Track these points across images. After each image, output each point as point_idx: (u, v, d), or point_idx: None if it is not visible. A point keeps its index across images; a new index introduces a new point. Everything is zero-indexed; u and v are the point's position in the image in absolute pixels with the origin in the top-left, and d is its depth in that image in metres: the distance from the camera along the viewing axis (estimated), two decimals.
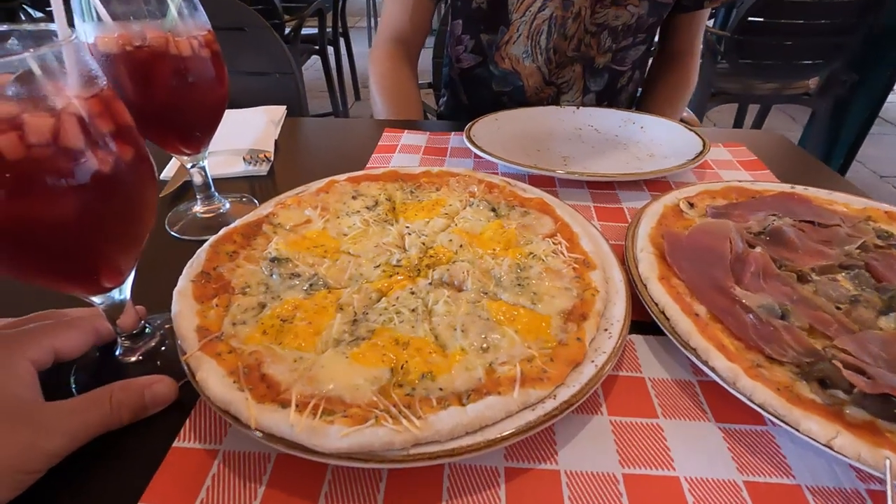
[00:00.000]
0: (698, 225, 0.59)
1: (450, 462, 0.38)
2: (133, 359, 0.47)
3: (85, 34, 0.50)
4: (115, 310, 0.44)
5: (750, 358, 0.43)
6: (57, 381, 0.43)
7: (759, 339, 0.44)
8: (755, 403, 0.39)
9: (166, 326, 0.50)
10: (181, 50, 0.52)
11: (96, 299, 0.42)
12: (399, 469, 0.38)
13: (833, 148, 2.77)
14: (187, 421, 0.42)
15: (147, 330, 0.48)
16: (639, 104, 1.33)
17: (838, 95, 2.73)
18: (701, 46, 1.26)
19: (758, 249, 0.55)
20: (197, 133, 0.60)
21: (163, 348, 0.48)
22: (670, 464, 0.39)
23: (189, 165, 0.64)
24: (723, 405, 0.43)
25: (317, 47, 3.29)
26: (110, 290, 0.42)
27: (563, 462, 0.39)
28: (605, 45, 1.15)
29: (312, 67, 4.48)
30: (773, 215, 0.62)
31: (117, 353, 0.47)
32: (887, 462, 0.34)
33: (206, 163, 0.65)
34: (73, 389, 0.44)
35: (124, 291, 0.43)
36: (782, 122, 3.99)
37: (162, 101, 0.55)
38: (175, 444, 0.40)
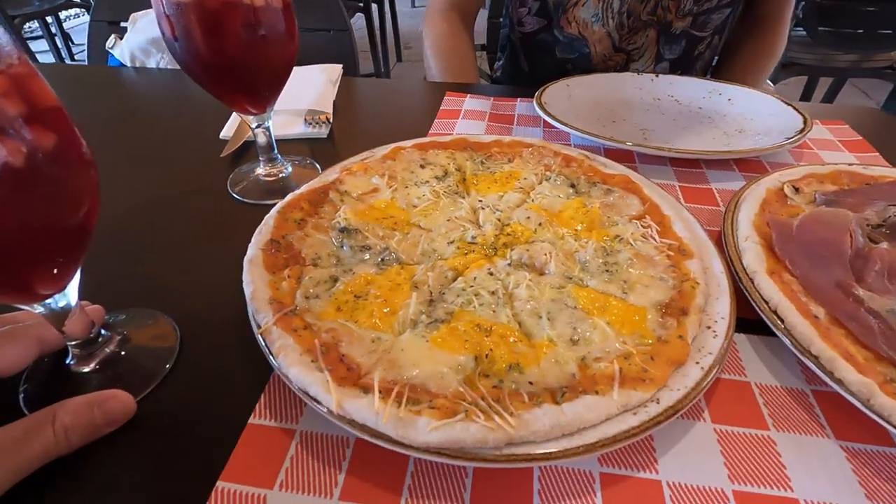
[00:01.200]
0: (811, 213, 0.52)
1: (537, 464, 0.35)
2: (88, 368, 0.41)
3: None
4: (58, 317, 0.38)
5: (881, 371, 0.38)
6: (3, 392, 0.40)
7: (892, 350, 0.39)
8: (894, 426, 0.34)
9: (126, 329, 0.45)
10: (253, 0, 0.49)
11: (34, 307, 0.36)
12: (487, 467, 0.35)
13: None
14: (262, 397, 0.40)
15: (102, 335, 0.43)
16: (715, 72, 1.22)
17: None
18: (792, 10, 1.13)
19: (883, 245, 0.48)
20: (265, 91, 0.57)
21: (122, 353, 0.43)
22: (787, 483, 0.35)
23: (254, 125, 0.61)
24: (844, 420, 0.38)
25: (361, 4, 3.19)
26: (49, 296, 0.36)
27: (664, 472, 0.36)
28: (685, 8, 1.04)
29: (354, 26, 4.38)
30: (893, 205, 0.55)
31: (69, 361, 0.42)
32: None
33: (271, 123, 0.62)
34: (22, 403, 0.39)
35: (67, 296, 0.37)
36: (853, 97, 3.67)
37: (231, 55, 0.51)
38: (251, 420, 0.39)
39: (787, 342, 0.41)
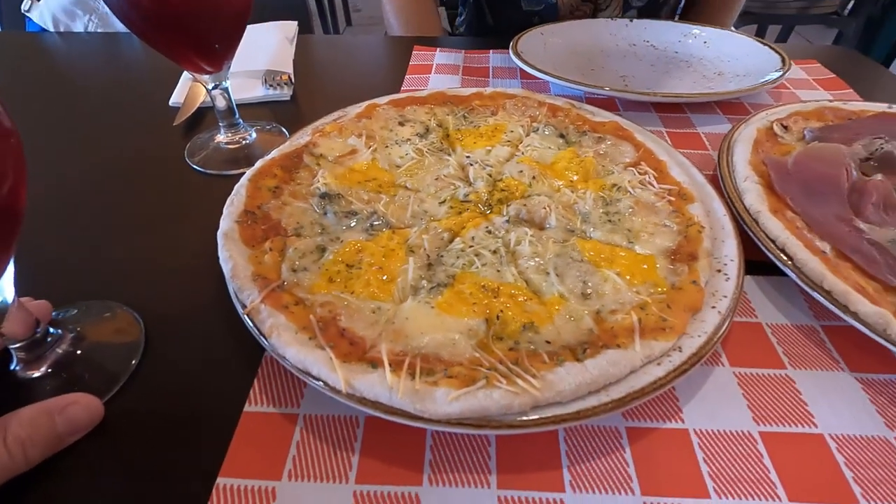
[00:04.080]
0: (806, 150, 0.52)
1: (567, 425, 0.34)
2: (38, 372, 0.36)
3: None
4: None
5: (892, 301, 0.38)
6: None
7: None
8: None
9: (79, 325, 0.40)
10: None
11: None
12: (509, 434, 0.33)
13: None
14: (255, 382, 0.36)
15: (51, 333, 0.38)
16: (682, 20, 1.20)
17: (870, 14, 2.54)
18: None
19: (878, 177, 0.48)
20: (220, 45, 0.50)
21: (77, 352, 0.38)
22: (810, 420, 0.34)
23: (210, 86, 0.55)
24: (855, 353, 0.39)
25: None
26: None
27: (689, 420, 0.35)
28: None
29: None
30: (879, 138, 0.55)
31: (13, 367, 0.37)
32: None
33: (229, 83, 0.56)
34: None
35: (2, 292, 0.32)
36: (799, 45, 3.78)
37: (177, 3, 0.44)
38: (246, 408, 0.35)
39: (797, 279, 0.40)
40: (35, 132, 0.67)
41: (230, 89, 0.57)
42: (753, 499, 0.31)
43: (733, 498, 0.31)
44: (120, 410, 0.35)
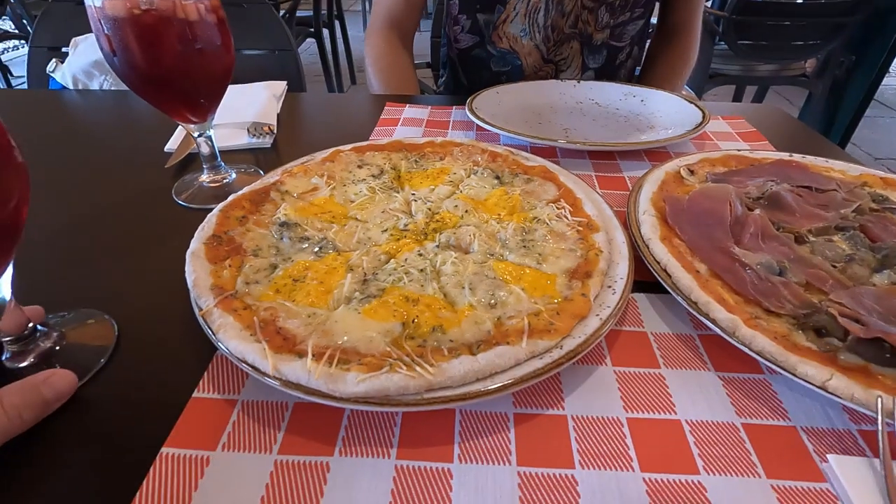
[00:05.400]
0: (699, 189, 0.60)
1: (462, 407, 0.40)
2: (24, 363, 0.43)
3: None
4: None
5: (749, 311, 0.45)
6: None
7: (758, 294, 0.46)
8: (753, 351, 0.41)
9: (64, 327, 0.47)
10: (188, 14, 0.53)
11: None
12: (413, 414, 0.40)
13: (829, 129, 2.78)
14: (205, 374, 0.43)
15: (39, 331, 0.45)
16: (638, 81, 1.33)
17: (835, 77, 2.72)
18: (701, 21, 1.26)
19: (757, 212, 0.56)
20: (204, 101, 0.61)
21: (57, 348, 0.45)
22: (672, 408, 0.40)
23: (196, 134, 0.64)
24: (722, 356, 0.45)
25: (312, 29, 3.26)
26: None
27: (569, 408, 0.41)
28: (602, 21, 1.15)
29: (307, 51, 4.44)
30: (772, 181, 0.63)
31: (3, 357, 0.44)
32: (879, 400, 0.36)
33: (212, 132, 0.65)
34: None
35: (2, 290, 0.40)
36: (778, 103, 3.99)
37: (169, 66, 0.55)
38: (194, 394, 0.41)
39: (674, 294, 0.47)
40: (49, 169, 0.77)
41: (213, 137, 0.66)
42: (611, 469, 0.36)
43: (594, 469, 0.36)
44: (87, 397, 0.42)
